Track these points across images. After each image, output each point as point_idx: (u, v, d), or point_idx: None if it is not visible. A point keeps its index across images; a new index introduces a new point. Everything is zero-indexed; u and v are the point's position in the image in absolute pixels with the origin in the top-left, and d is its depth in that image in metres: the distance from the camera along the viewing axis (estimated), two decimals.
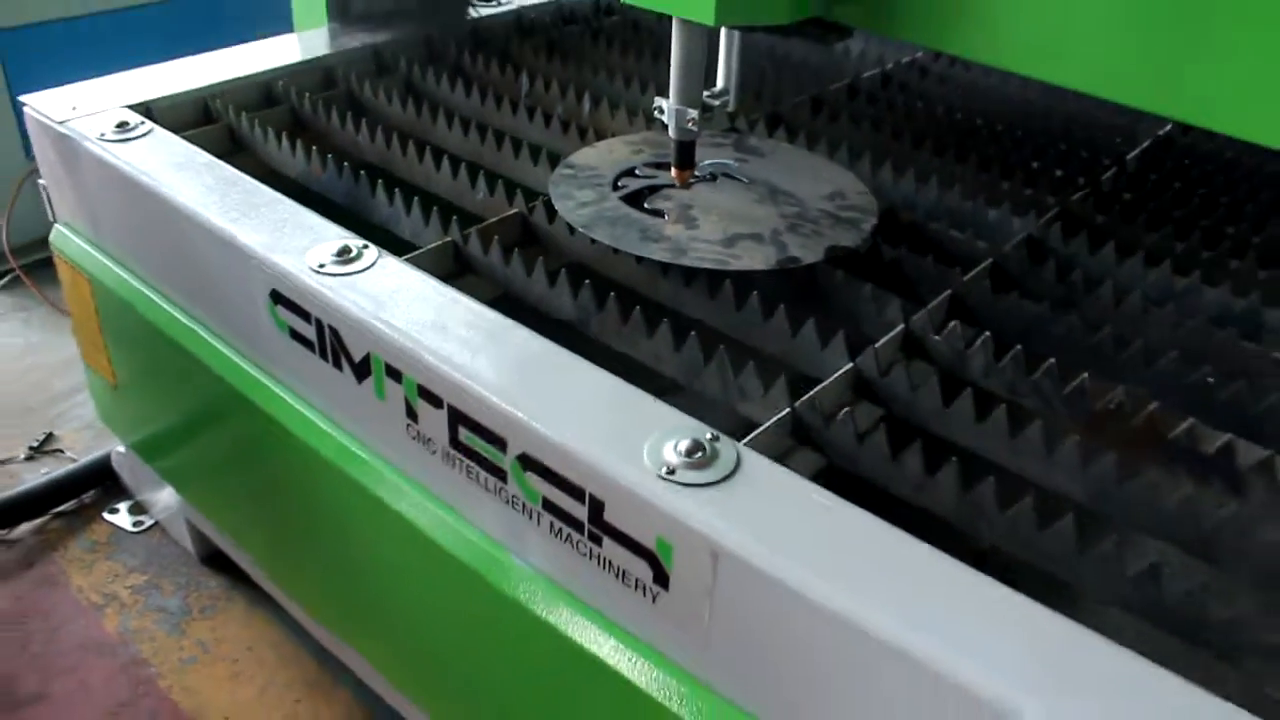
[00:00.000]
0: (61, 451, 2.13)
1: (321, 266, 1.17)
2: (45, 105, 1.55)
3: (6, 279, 2.64)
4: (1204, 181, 1.61)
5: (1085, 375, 1.08)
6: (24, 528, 1.95)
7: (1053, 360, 1.10)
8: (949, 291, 1.25)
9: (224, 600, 1.82)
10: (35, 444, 2.14)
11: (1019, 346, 1.12)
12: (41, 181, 1.65)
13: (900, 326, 1.18)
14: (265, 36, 1.87)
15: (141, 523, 1.96)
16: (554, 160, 1.53)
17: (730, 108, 1.44)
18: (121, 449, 1.95)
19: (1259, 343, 1.22)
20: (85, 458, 2.03)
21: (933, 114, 1.80)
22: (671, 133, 1.36)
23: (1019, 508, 0.92)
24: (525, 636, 1.06)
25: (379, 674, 1.41)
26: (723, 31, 1.35)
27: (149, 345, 1.53)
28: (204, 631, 1.76)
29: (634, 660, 0.97)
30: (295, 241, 1.23)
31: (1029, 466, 1.00)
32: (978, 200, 1.46)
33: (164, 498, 1.89)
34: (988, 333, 1.15)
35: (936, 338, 1.16)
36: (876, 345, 1.13)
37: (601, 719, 1.04)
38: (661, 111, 1.34)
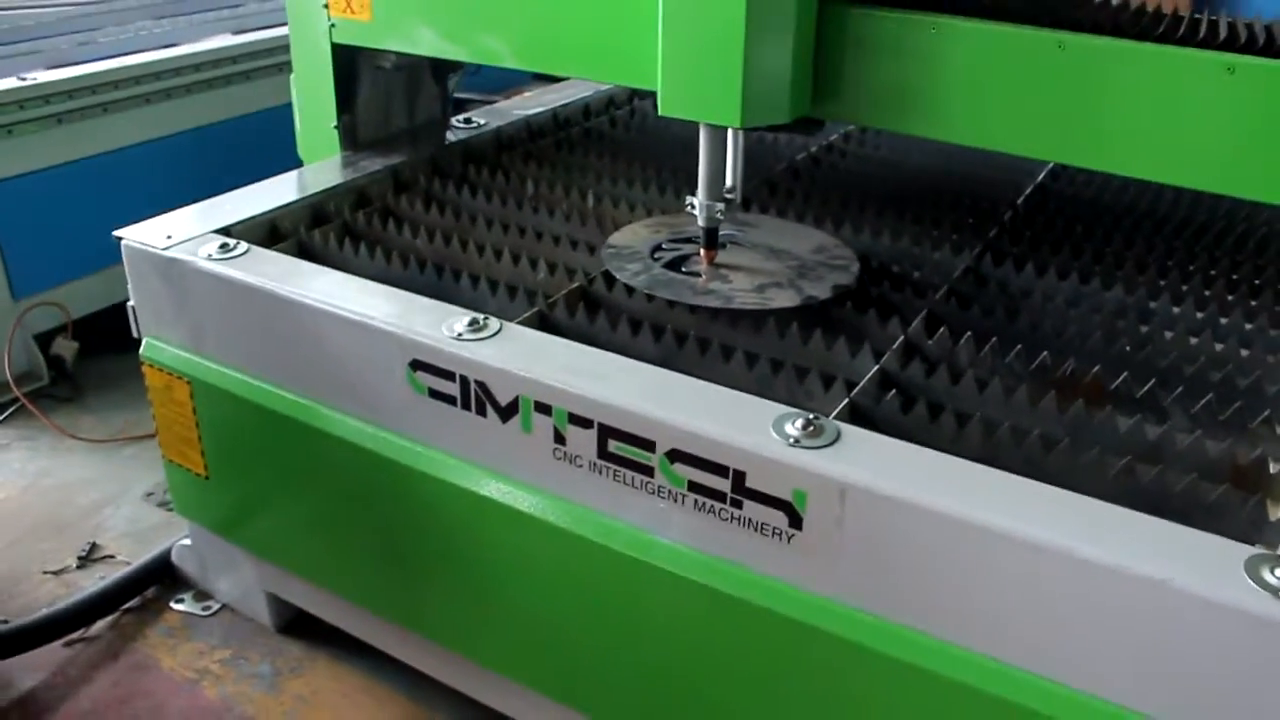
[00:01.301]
0: (112, 557, 2.31)
1: (460, 335, 1.48)
2: (142, 236, 1.81)
3: (10, 411, 2.78)
4: (1079, 215, 2.08)
5: (1045, 354, 1.50)
6: (100, 625, 2.11)
7: (1020, 347, 1.51)
8: (926, 311, 1.65)
9: (309, 660, 2.03)
10: (83, 554, 2.31)
11: (993, 339, 1.53)
12: (131, 304, 1.89)
13: (900, 338, 1.57)
14: (265, 169, 2.14)
15: (210, 607, 2.16)
16: (576, 245, 1.89)
17: (738, 200, 1.79)
18: (186, 542, 2.16)
19: (1149, 324, 1.66)
20: (142, 557, 2.21)
21: (863, 183, 2.24)
22: (701, 222, 1.72)
23: (1028, 441, 1.31)
24: (676, 603, 1.38)
25: (523, 692, 1.66)
26: (730, 139, 1.70)
27: (256, 430, 1.79)
28: (299, 687, 1.98)
29: (771, 593, 1.30)
30: (424, 320, 1.53)
31: (1022, 419, 1.40)
32: (923, 245, 1.89)
33: (233, 580, 2.11)
34: (968, 333, 1.55)
35: (930, 342, 1.56)
36: (889, 352, 1.51)
37: (748, 656, 1.36)
38: (693, 206, 1.71)
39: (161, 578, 2.20)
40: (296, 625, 2.09)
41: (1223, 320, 1.67)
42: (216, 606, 2.16)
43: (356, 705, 1.94)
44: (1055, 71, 1.41)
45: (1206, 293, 1.76)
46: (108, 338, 3.02)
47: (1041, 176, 2.30)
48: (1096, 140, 1.41)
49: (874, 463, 1.22)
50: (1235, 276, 1.82)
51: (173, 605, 2.17)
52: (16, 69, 3.01)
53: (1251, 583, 1.04)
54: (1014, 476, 1.20)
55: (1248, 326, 1.65)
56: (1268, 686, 1.04)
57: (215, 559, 2.12)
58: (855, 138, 2.56)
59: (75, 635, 2.08)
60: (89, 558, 2.31)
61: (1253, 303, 1.73)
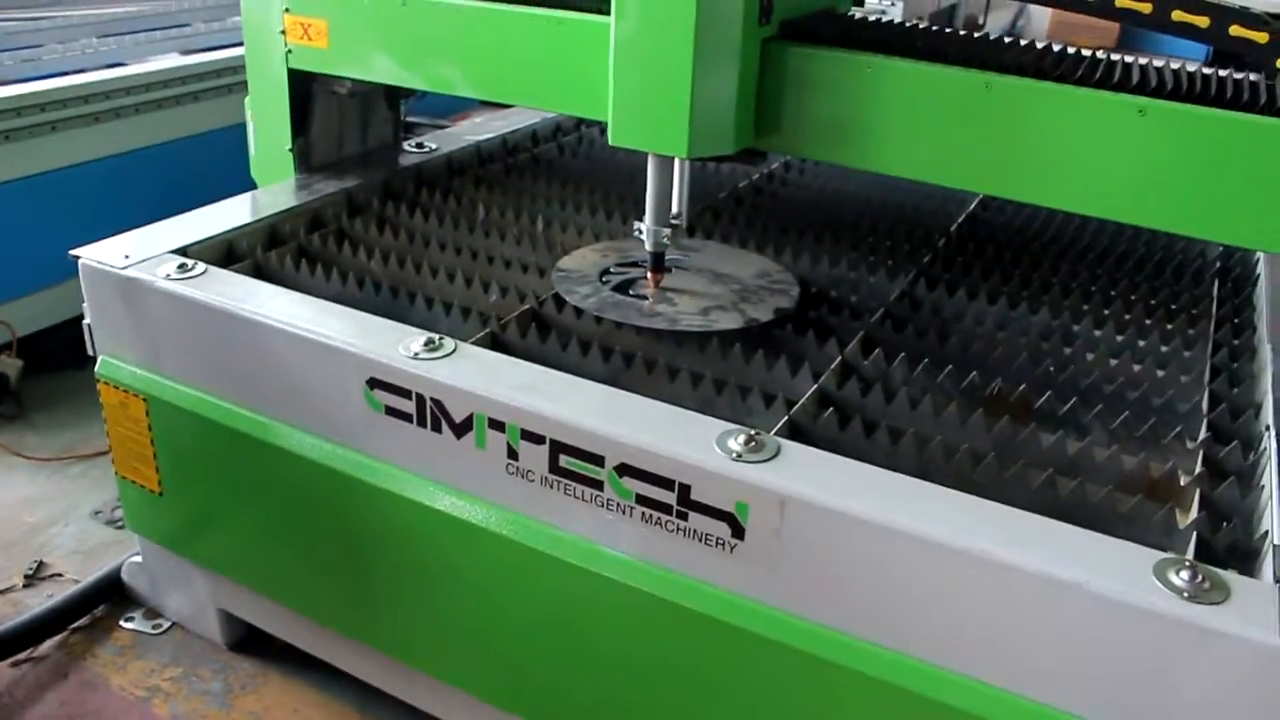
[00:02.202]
0: (60, 575, 2.30)
1: (416, 355, 1.53)
2: (100, 255, 1.83)
3: None
4: (1008, 242, 2.18)
5: (974, 374, 1.59)
6: (48, 644, 2.11)
7: (950, 367, 1.60)
8: (862, 333, 1.73)
9: (261, 676, 2.05)
10: (30, 572, 2.30)
11: (925, 360, 1.61)
12: (87, 322, 1.91)
13: (838, 359, 1.65)
14: (215, 189, 2.17)
15: (160, 625, 2.16)
16: (527, 268, 1.95)
17: (684, 226, 1.86)
18: (137, 559, 2.17)
19: (1072, 346, 1.76)
20: (91, 575, 2.21)
21: (803, 211, 2.32)
22: (648, 246, 1.80)
23: (957, 457, 1.39)
24: (624, 611, 1.43)
25: (476, 704, 1.70)
26: (676, 167, 1.77)
27: (211, 447, 1.81)
28: (251, 703, 2.00)
29: (716, 601, 1.36)
30: (381, 339, 1.58)
31: (952, 436, 1.48)
32: (860, 271, 1.98)
33: (185, 597, 2.12)
34: (902, 354, 1.64)
35: (866, 363, 1.64)
36: (827, 372, 1.59)
37: (694, 663, 1.42)
38: (640, 232, 1.78)
39: (111, 596, 2.21)
40: (248, 642, 2.11)
41: (1140, 343, 1.78)
42: (167, 624, 2.17)
43: (306, 717, 1.97)
44: (982, 110, 1.51)
45: (1126, 316, 1.86)
46: (52, 355, 3.02)
47: (973, 206, 2.40)
48: (1020, 174, 1.51)
49: (811, 476, 1.29)
50: (1153, 302, 1.93)
51: (122, 623, 2.18)
52: None
53: (1159, 584, 1.13)
54: (942, 489, 1.28)
55: (1163, 348, 1.76)
56: (1177, 680, 1.12)
57: (166, 576, 2.13)
58: (796, 166, 2.65)
59: (23, 655, 2.07)
60: (36, 576, 2.30)
61: (1168, 326, 1.84)
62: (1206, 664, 1.10)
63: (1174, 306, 1.92)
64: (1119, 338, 1.79)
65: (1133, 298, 1.94)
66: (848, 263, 2.02)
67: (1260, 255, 2.17)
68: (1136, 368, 1.69)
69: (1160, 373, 1.68)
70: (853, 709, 1.32)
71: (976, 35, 1.70)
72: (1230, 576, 1.14)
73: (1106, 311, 1.88)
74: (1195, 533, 1.28)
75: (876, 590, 1.27)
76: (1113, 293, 1.96)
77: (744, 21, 1.48)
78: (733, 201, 2.40)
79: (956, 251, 2.13)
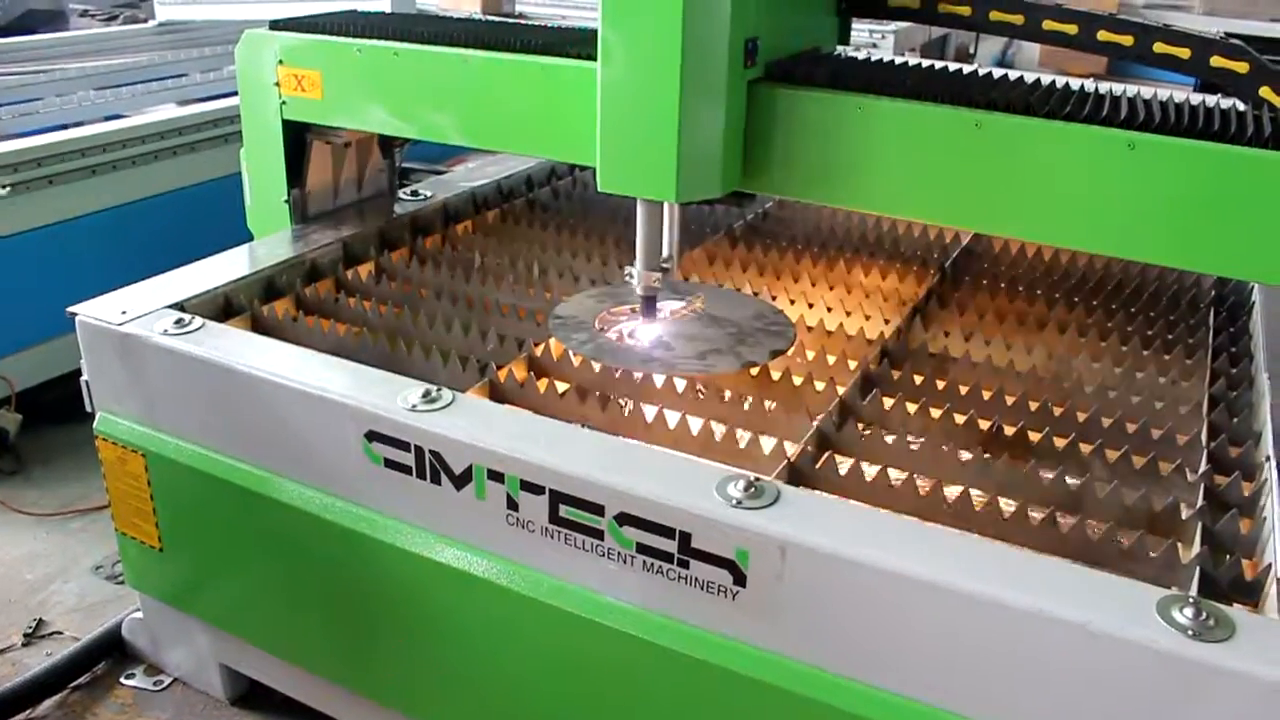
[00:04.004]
0: (60, 633, 2.29)
1: (414, 407, 1.53)
2: (97, 312, 1.84)
3: None
4: (1001, 276, 2.19)
5: (972, 411, 1.59)
6: (47, 703, 2.10)
7: (948, 406, 1.60)
8: (859, 373, 1.74)
9: None
10: (29, 630, 2.29)
11: (923, 399, 1.61)
12: (85, 378, 1.91)
13: (836, 399, 1.65)
14: (212, 238, 2.18)
15: (161, 682, 2.15)
16: (524, 315, 1.95)
17: (674, 270, 1.87)
18: (137, 615, 2.15)
19: (1069, 381, 1.76)
20: (91, 632, 2.20)
21: (797, 250, 2.33)
22: (639, 290, 1.80)
23: (957, 496, 1.39)
24: (627, 660, 1.42)
25: None
26: (666, 212, 1.78)
27: (211, 502, 1.81)
28: None
29: (719, 649, 1.35)
30: (379, 392, 1.58)
31: (952, 475, 1.48)
32: (855, 309, 1.98)
33: (186, 653, 2.11)
34: (898, 394, 1.64)
35: (863, 403, 1.64)
36: (825, 413, 1.59)
37: (698, 712, 1.41)
38: (631, 276, 1.79)
39: (111, 652, 2.19)
40: (250, 697, 2.09)
41: (1138, 375, 1.78)
42: (168, 680, 2.15)
43: None
44: (973, 148, 1.51)
45: (1123, 349, 1.87)
46: (51, 409, 3.02)
47: (967, 240, 2.41)
48: (1012, 211, 1.52)
49: (812, 521, 1.28)
50: (1149, 333, 1.94)
51: (123, 681, 2.16)
52: None
53: (1163, 622, 1.12)
54: (943, 530, 1.28)
55: (1161, 380, 1.76)
56: (1175, 711, 1.12)
57: (167, 632, 2.12)
58: (790, 204, 2.66)
59: (22, 716, 2.05)
60: (35, 634, 2.29)
61: (1165, 358, 1.84)
62: (1213, 703, 1.09)
63: (1170, 337, 1.93)
64: (1116, 371, 1.79)
65: (1129, 330, 1.95)
66: (843, 301, 2.02)
67: (1255, 284, 2.17)
68: (1135, 400, 1.69)
69: (1159, 405, 1.68)
70: None
71: (965, 72, 1.71)
72: (1234, 612, 1.14)
73: (1103, 344, 1.88)
74: (1198, 567, 1.28)
75: (879, 634, 1.26)
76: (1109, 325, 1.96)
77: (729, 64, 1.49)
78: (727, 243, 2.40)
79: (952, 286, 2.14)
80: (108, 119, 3.46)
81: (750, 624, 1.33)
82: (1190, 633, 1.11)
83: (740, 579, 1.31)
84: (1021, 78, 1.71)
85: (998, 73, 1.82)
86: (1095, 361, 1.82)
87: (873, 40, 7.37)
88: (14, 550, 2.57)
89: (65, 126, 3.30)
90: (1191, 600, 1.14)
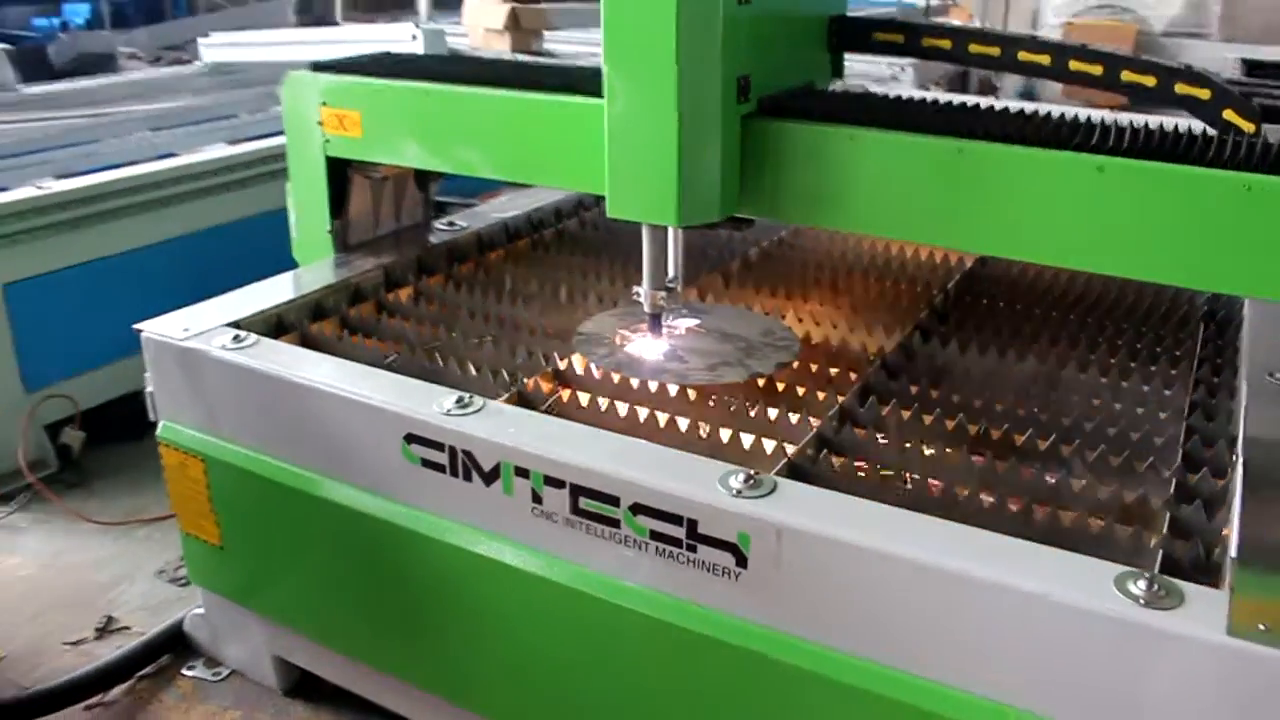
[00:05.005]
0: (128, 628, 2.46)
1: (449, 411, 1.69)
2: (161, 329, 2.01)
3: (24, 495, 2.96)
4: (1000, 296, 2.32)
5: (961, 415, 1.72)
6: (117, 690, 2.27)
7: (938, 411, 1.74)
8: (861, 383, 1.87)
9: (313, 719, 2.19)
10: (100, 626, 2.47)
11: (916, 405, 1.75)
12: (149, 390, 2.08)
13: (836, 406, 1.79)
14: (260, 269, 2.36)
15: (220, 672, 2.31)
16: (550, 333, 2.11)
17: (679, 289, 2.02)
18: (199, 611, 2.32)
19: (1056, 390, 1.89)
20: (156, 627, 2.37)
21: (808, 273, 2.48)
22: (646, 308, 1.96)
23: (944, 490, 1.52)
24: (641, 638, 1.56)
25: None
26: (670, 235, 1.92)
27: (264, 502, 1.98)
28: None
29: (723, 626, 1.49)
30: (417, 399, 1.74)
31: (939, 473, 1.61)
32: (859, 327, 2.13)
33: (243, 646, 2.27)
34: (894, 401, 1.78)
35: (862, 409, 1.78)
36: (825, 418, 1.73)
37: (707, 684, 1.54)
38: (638, 295, 1.95)
39: (174, 646, 2.36)
40: (302, 687, 2.24)
41: (1123, 384, 1.90)
42: (226, 672, 2.32)
43: None
44: (955, 174, 1.65)
45: (1111, 361, 1.99)
46: (111, 428, 3.21)
47: (971, 264, 2.54)
48: (991, 232, 1.66)
49: (805, 508, 1.42)
50: (1138, 346, 2.06)
51: (185, 672, 2.32)
52: (29, 178, 3.26)
53: (1119, 593, 1.25)
54: (924, 517, 1.41)
55: (1145, 389, 1.88)
56: (1137, 679, 1.24)
57: (226, 626, 2.28)
58: (804, 233, 2.81)
59: (94, 700, 2.22)
60: (106, 630, 2.47)
61: (1151, 368, 1.96)
62: (1163, 663, 1.22)
63: (1158, 350, 2.05)
64: (1103, 380, 1.91)
65: (1118, 343, 2.07)
66: (848, 320, 2.17)
67: (1246, 300, 2.28)
68: (1118, 407, 1.81)
69: (1140, 410, 1.81)
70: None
71: (948, 103, 1.86)
72: (1185, 585, 1.26)
73: (1092, 357, 2.00)
74: (1161, 551, 1.40)
75: (866, 609, 1.39)
76: (1100, 340, 2.08)
77: (723, 100, 1.65)
78: (743, 266, 2.56)
79: (953, 306, 2.28)
80: (162, 157, 3.67)
81: (751, 602, 1.47)
82: (1142, 602, 1.23)
83: (742, 561, 1.45)
84: (1006, 108, 1.86)
85: (984, 103, 1.95)
86: (1082, 372, 1.94)
87: (893, 73, 7.54)
88: (84, 555, 2.76)
89: (123, 165, 3.50)
90: (1146, 575, 1.27)
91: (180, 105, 4.66)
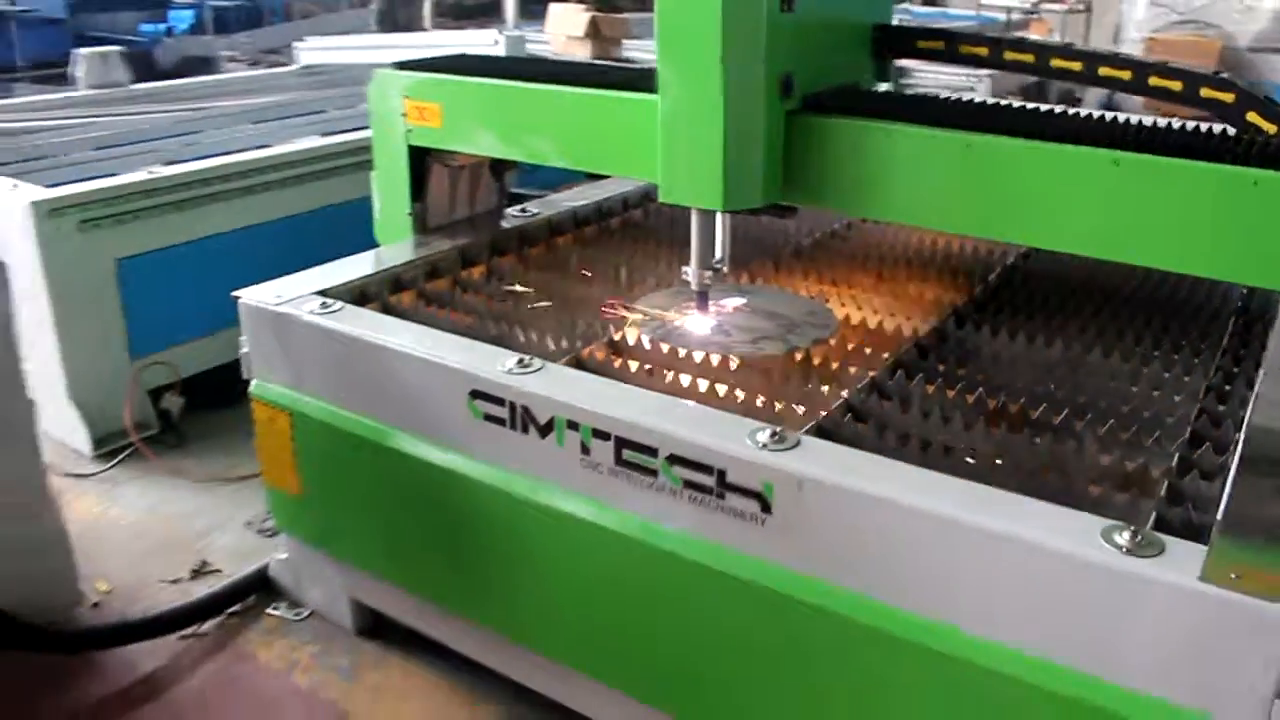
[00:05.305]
0: (219, 571, 2.70)
1: (511, 371, 1.87)
2: (257, 296, 2.23)
3: (128, 452, 3.23)
4: (1037, 289, 2.42)
5: (981, 390, 1.85)
6: (209, 624, 2.50)
7: (961, 384, 1.87)
8: (892, 360, 2.01)
9: (383, 658, 2.39)
10: (195, 569, 2.71)
11: (940, 380, 1.89)
12: (244, 350, 2.30)
13: (867, 378, 1.93)
14: (345, 250, 2.57)
15: (300, 613, 2.53)
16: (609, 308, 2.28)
17: (725, 269, 2.18)
18: (282, 557, 2.54)
19: (1078, 373, 2.00)
20: (244, 570, 2.60)
21: (857, 262, 2.62)
22: (693, 286, 2.12)
23: (955, 453, 1.66)
24: (676, 577, 1.73)
25: (553, 667, 2.01)
26: (718, 219, 2.09)
27: (342, 453, 2.18)
28: (375, 678, 2.33)
29: (750, 567, 1.64)
30: (482, 359, 1.93)
31: (955, 439, 1.74)
32: (898, 312, 2.26)
33: (321, 590, 2.48)
34: (920, 374, 1.91)
35: (890, 382, 1.92)
36: (856, 388, 1.87)
37: (733, 620, 1.70)
38: (686, 274, 2.11)
39: (260, 588, 2.59)
40: (373, 630, 2.45)
41: (1144, 369, 2.01)
42: (306, 613, 2.53)
43: (420, 692, 2.29)
44: (979, 166, 1.79)
45: (1136, 348, 2.09)
46: (207, 395, 3.47)
47: (1013, 258, 2.65)
48: (1012, 220, 1.79)
49: (825, 462, 1.57)
50: (1164, 336, 2.16)
51: (269, 611, 2.55)
52: (141, 164, 3.54)
53: (1104, 543, 1.38)
54: (934, 473, 1.55)
55: (1165, 374, 1.98)
56: (1119, 619, 1.37)
57: (307, 572, 2.50)
58: (856, 225, 2.95)
59: (188, 631, 2.46)
60: (199, 572, 2.71)
61: (1174, 356, 2.06)
62: (1141, 604, 1.34)
63: (1184, 340, 2.14)
64: (1125, 365, 2.02)
65: (1146, 333, 2.17)
66: (889, 305, 2.30)
67: None
68: (1134, 389, 1.92)
69: (1156, 393, 1.91)
70: (863, 655, 1.58)
71: (985, 103, 1.99)
72: (1166, 538, 1.38)
73: (1118, 344, 2.10)
74: (1155, 513, 1.52)
75: (878, 554, 1.54)
76: (1128, 330, 2.19)
77: (767, 97, 1.80)
78: (794, 254, 2.70)
79: (991, 297, 2.39)
80: (258, 148, 3.93)
81: (774, 546, 1.62)
82: (1125, 550, 1.36)
83: (766, 507, 1.61)
84: (1037, 107, 1.98)
85: (1016, 103, 2.08)
86: (1106, 357, 2.05)
87: (970, 84, 7.62)
88: (182, 507, 3.01)
89: (224, 154, 3.77)
90: (1130, 528, 1.39)
91: (275, 100, 4.95)
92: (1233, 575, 1.31)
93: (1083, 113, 1.90)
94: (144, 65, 7.12)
